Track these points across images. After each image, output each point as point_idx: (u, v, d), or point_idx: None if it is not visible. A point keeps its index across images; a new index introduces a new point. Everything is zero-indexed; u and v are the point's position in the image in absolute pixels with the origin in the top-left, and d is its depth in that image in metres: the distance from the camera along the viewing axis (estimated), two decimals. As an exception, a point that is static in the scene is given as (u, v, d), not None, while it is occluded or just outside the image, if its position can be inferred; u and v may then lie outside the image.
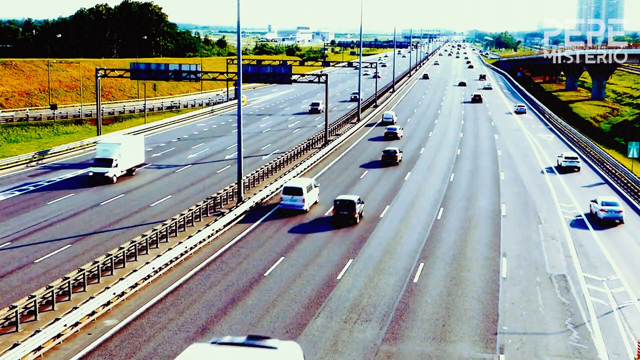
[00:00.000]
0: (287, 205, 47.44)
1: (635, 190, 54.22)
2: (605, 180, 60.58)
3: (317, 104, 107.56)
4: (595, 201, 47.67)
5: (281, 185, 51.42)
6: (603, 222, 45.74)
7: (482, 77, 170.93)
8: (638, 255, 40.08)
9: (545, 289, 33.80)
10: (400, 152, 67.82)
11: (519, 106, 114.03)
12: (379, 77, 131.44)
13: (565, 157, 65.94)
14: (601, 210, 46.14)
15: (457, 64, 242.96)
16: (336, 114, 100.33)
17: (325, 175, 60.33)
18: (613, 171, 62.35)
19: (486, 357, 26.73)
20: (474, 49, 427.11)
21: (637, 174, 57.64)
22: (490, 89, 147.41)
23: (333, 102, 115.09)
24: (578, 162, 65.48)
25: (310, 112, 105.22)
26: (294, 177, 56.91)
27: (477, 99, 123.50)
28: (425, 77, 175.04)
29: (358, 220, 44.97)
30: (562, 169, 64.76)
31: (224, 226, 43.08)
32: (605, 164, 65.97)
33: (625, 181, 57.65)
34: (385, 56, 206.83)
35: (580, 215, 48.02)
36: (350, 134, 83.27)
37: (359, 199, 45.99)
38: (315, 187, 50.36)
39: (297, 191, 47.43)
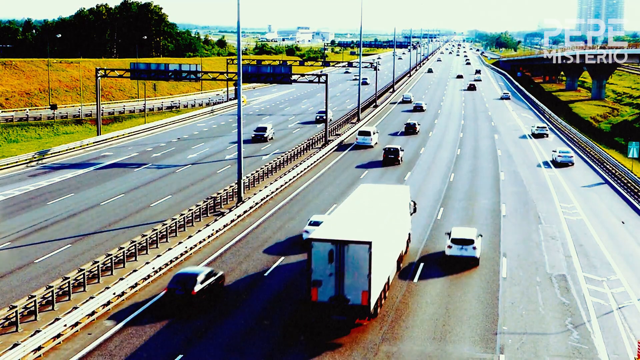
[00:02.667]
0: (361, 142, 74.96)
1: (636, 190, 54.22)
2: (605, 180, 60.55)
3: (264, 129, 79.12)
4: (555, 151, 69.40)
5: (281, 185, 54.31)
6: (560, 164, 66.51)
7: (478, 72, 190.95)
8: (638, 255, 40.07)
9: (545, 289, 33.80)
10: (418, 124, 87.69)
11: (504, 93, 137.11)
12: (367, 83, 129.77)
13: (537, 127, 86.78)
14: (559, 156, 67.49)
15: (457, 62, 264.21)
16: (292, 141, 77.38)
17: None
18: (613, 171, 62.37)
19: (486, 357, 26.73)
20: (471, 48, 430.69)
21: (637, 174, 57.62)
22: (481, 80, 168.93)
23: (292, 124, 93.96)
24: (546, 129, 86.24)
25: (253, 141, 77.39)
26: (297, 174, 57.59)
27: (472, 88, 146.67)
28: (430, 71, 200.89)
29: (400, 162, 65.32)
30: (534, 136, 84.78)
31: (224, 226, 43.10)
32: (605, 164, 65.97)
33: (626, 181, 57.66)
34: (379, 58, 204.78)
35: (547, 162, 68.29)
36: (351, 134, 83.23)
37: (400, 148, 67.14)
38: (376, 132, 78.42)
39: (367, 133, 75.58)
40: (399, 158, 65.42)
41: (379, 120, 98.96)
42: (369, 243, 28.00)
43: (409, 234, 39.54)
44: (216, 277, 32.22)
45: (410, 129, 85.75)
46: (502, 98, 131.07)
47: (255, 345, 27.38)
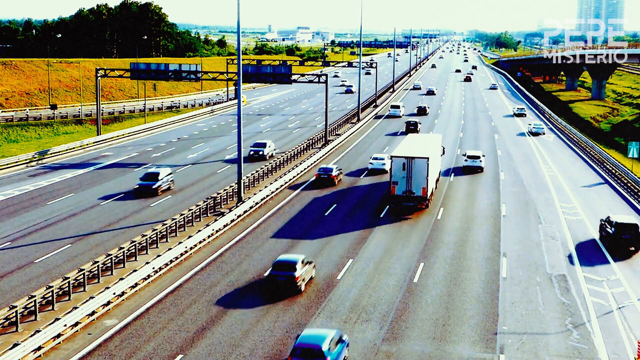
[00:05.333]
0: (392, 113, 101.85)
1: (636, 190, 54.21)
2: (605, 180, 60.54)
3: (154, 177, 52.55)
4: (530, 124, 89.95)
5: (281, 185, 54.54)
6: (534, 134, 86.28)
7: (474, 67, 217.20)
8: (638, 255, 40.02)
9: (545, 289, 33.80)
10: (428, 107, 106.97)
11: (492, 84, 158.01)
12: (352, 91, 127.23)
13: (517, 108, 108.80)
14: (533, 127, 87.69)
15: (457, 59, 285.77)
16: (200, 193, 52.51)
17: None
18: (613, 171, 62.36)
19: (486, 357, 26.73)
20: (469, 48, 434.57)
21: (637, 174, 57.61)
22: (473, 74, 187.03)
23: (216, 166, 63.83)
24: (524, 110, 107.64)
25: (136, 195, 51.67)
26: (298, 174, 57.41)
27: (467, 79, 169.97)
28: (434, 66, 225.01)
29: (419, 132, 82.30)
30: (516, 115, 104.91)
31: (224, 226, 43.09)
32: (605, 164, 65.96)
33: (625, 181, 57.66)
34: (371, 60, 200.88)
35: (525, 132, 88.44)
36: (351, 134, 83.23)
37: (419, 121, 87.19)
38: (404, 106, 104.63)
39: (397, 107, 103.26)
40: (418, 129, 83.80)
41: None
42: (427, 158, 47.20)
43: (440, 171, 57.78)
44: (341, 170, 58.40)
45: (421, 111, 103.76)
46: (490, 88, 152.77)
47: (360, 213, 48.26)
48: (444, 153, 61.53)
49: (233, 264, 37.13)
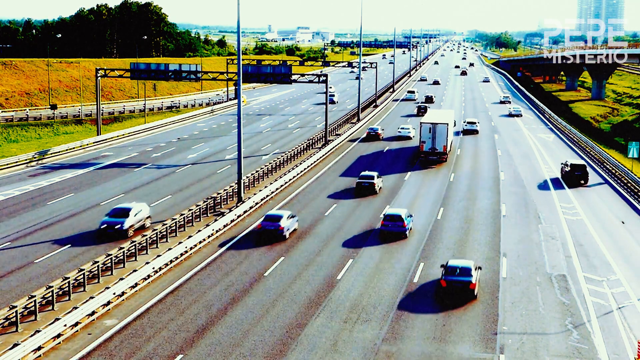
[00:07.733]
0: (408, 97, 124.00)
1: (636, 190, 54.19)
2: (605, 180, 60.54)
3: None
4: (510, 108, 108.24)
5: (281, 185, 54.46)
6: (513, 115, 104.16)
7: (471, 65, 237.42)
8: (638, 255, 40.06)
9: (545, 289, 33.80)
10: (434, 96, 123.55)
11: (485, 77, 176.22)
12: (334, 102, 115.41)
13: (503, 96, 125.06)
14: (513, 110, 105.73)
15: (457, 57, 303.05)
16: None
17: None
18: (613, 171, 62.34)
19: (486, 357, 26.72)
20: (467, 48, 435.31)
21: (637, 174, 57.58)
22: (467, 69, 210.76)
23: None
24: (509, 98, 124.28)
25: None
26: (297, 174, 57.29)
27: (464, 73, 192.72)
28: (436, 63, 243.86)
29: (427, 111, 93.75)
30: (502, 102, 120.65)
31: (224, 226, 43.08)
32: (605, 164, 65.94)
33: (625, 181, 57.64)
34: (365, 61, 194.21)
35: (506, 113, 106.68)
36: (351, 134, 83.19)
37: (428, 106, 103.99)
38: (417, 92, 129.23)
39: (412, 92, 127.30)
40: (427, 111, 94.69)
41: (401, 96, 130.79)
42: (447, 124, 65.63)
43: (452, 138, 72.86)
44: (383, 129, 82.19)
45: (429, 99, 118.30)
46: (483, 81, 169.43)
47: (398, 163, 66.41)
48: (455, 125, 78.03)
49: (233, 264, 37.12)
